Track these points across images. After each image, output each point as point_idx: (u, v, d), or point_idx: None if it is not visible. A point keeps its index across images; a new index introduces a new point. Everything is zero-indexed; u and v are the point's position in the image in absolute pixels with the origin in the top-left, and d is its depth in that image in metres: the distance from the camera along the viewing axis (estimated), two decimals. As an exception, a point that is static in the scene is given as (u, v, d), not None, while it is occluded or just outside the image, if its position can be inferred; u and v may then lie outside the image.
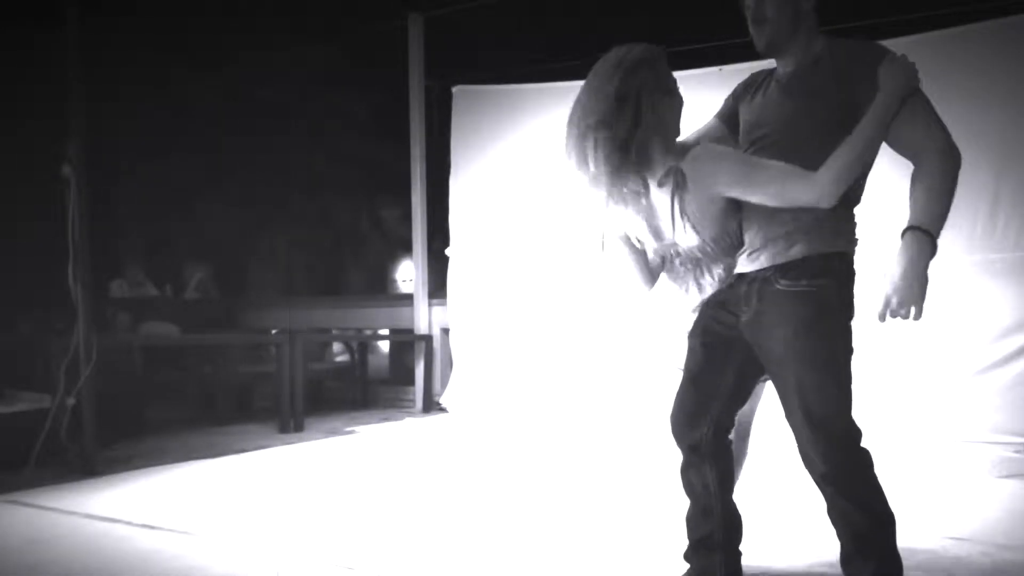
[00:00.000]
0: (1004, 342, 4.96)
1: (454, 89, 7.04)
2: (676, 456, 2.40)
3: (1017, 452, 4.66)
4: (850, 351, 2.14)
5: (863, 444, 2.15)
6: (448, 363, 7.06)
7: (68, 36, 4.29)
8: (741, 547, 2.38)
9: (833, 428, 2.11)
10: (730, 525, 2.35)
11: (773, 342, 2.14)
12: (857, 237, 2.29)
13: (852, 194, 2.25)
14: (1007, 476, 4.12)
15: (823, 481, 2.16)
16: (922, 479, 4.06)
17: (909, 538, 2.98)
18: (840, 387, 2.10)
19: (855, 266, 2.23)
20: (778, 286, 2.13)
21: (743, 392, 2.33)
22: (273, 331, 7.36)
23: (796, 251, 2.13)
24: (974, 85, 5.12)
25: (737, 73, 5.83)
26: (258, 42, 8.17)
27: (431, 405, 6.98)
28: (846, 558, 2.17)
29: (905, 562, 2.22)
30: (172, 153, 8.59)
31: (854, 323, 2.18)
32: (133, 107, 7.80)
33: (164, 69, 8.04)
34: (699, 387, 2.29)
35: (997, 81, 5.07)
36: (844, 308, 2.16)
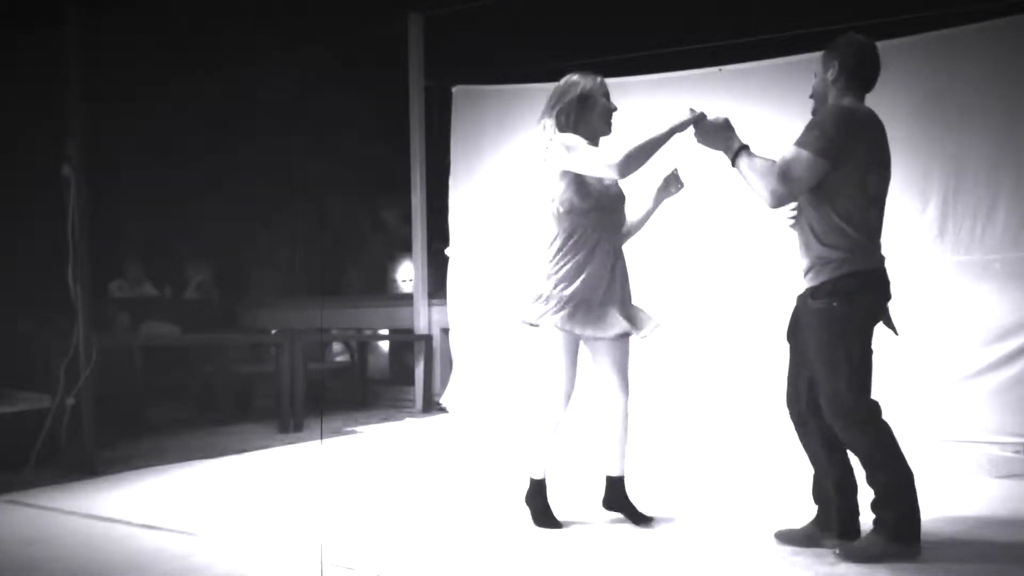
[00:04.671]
0: (1004, 342, 4.96)
1: (454, 89, 7.03)
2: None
3: (1015, 452, 4.66)
4: (862, 353, 2.71)
5: (878, 422, 2.73)
6: (448, 363, 7.06)
7: (68, 36, 4.29)
8: (858, 501, 2.85)
9: (841, 415, 2.71)
10: (843, 482, 2.85)
11: (807, 345, 2.83)
12: (878, 256, 2.86)
13: (864, 223, 2.78)
14: (1005, 476, 4.13)
15: (849, 448, 2.80)
16: (921, 479, 4.05)
17: (909, 538, 2.98)
18: (848, 385, 2.67)
19: (873, 281, 2.78)
20: (810, 303, 2.79)
21: None
22: (273, 331, 7.36)
23: (816, 278, 2.77)
24: (974, 85, 5.13)
25: (737, 73, 5.88)
26: (258, 42, 8.17)
27: (431, 405, 6.98)
28: (874, 503, 2.75)
29: (905, 562, 2.22)
30: (172, 153, 8.58)
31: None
32: (133, 107, 7.79)
33: (164, 69, 8.03)
34: (792, 370, 2.95)
35: (996, 81, 5.07)
36: (852, 320, 2.70)
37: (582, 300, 3.06)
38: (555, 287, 3.08)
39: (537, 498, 3.23)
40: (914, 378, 5.09)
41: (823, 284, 2.72)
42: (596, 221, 3.12)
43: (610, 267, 3.13)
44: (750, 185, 2.78)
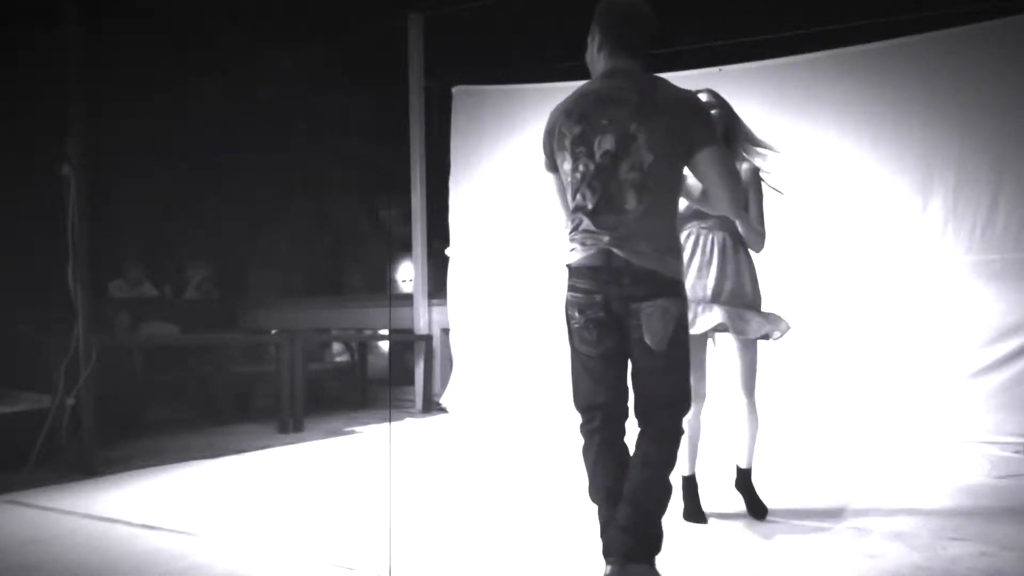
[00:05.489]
0: (1004, 342, 4.97)
1: (454, 89, 7.03)
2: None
3: (1016, 452, 4.66)
4: (574, 350, 2.47)
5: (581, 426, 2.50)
6: (448, 363, 7.06)
7: (68, 36, 4.29)
8: None
9: (681, 412, 2.46)
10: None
11: (636, 345, 2.49)
12: (573, 248, 2.45)
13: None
14: (1006, 476, 4.12)
15: (662, 448, 2.47)
16: (921, 479, 4.06)
17: (908, 538, 2.99)
18: (686, 380, 2.46)
19: (572, 278, 2.44)
20: (659, 303, 2.44)
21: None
22: (273, 331, 7.35)
23: (662, 275, 2.40)
24: (974, 85, 5.13)
25: (737, 73, 5.88)
26: (258, 42, 8.16)
27: (431, 405, 6.98)
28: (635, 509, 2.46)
29: (904, 562, 2.22)
30: (172, 153, 8.57)
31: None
32: (133, 107, 7.79)
33: (164, 69, 8.03)
34: (612, 372, 2.61)
35: (997, 81, 5.08)
36: (685, 316, 2.44)
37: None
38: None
39: (687, 494, 3.34)
40: (914, 378, 5.10)
41: (668, 283, 2.36)
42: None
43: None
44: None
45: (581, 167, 2.38)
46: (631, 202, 2.31)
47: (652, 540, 2.32)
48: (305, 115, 9.31)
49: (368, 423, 6.31)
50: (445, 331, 7.10)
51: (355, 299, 9.17)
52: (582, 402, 2.48)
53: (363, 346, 7.84)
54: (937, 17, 5.27)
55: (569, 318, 2.46)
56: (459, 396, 6.69)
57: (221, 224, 9.20)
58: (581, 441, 2.48)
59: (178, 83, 8.20)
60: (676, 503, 2.95)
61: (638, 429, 2.43)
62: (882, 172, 5.42)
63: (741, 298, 3.23)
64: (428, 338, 7.16)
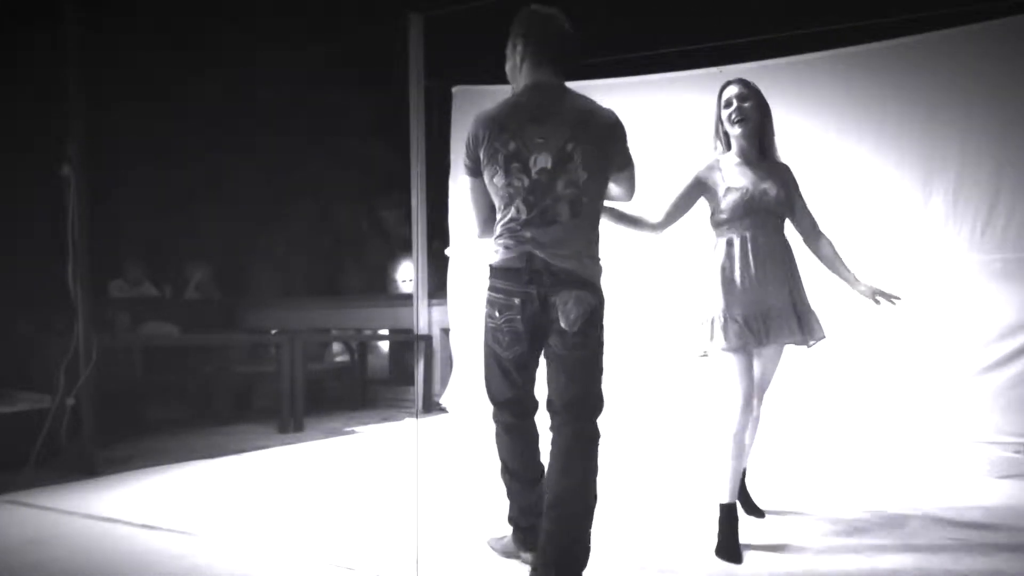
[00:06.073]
0: (1004, 342, 4.96)
1: (454, 89, 7.03)
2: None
3: (1016, 452, 4.66)
4: (487, 345, 2.64)
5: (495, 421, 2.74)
6: (448, 363, 7.05)
7: (68, 36, 4.29)
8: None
9: (597, 413, 2.52)
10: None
11: (555, 345, 2.61)
12: (497, 249, 2.62)
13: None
14: (1006, 476, 4.12)
15: (577, 450, 2.53)
16: (922, 479, 4.06)
17: (908, 538, 2.99)
18: (599, 384, 2.53)
19: (493, 278, 2.64)
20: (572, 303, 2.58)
21: None
22: (273, 331, 7.35)
23: (586, 277, 2.54)
24: (974, 85, 5.13)
25: (737, 73, 5.86)
26: (258, 42, 8.16)
27: (431, 405, 6.97)
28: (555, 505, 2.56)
29: (904, 562, 2.22)
30: (172, 153, 8.58)
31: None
32: (133, 107, 7.79)
33: (164, 69, 8.03)
34: (526, 373, 2.76)
35: (997, 81, 5.08)
36: (602, 317, 2.54)
37: None
38: None
39: (725, 527, 2.85)
40: (914, 379, 5.10)
41: (584, 281, 2.46)
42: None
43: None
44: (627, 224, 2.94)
45: (516, 182, 2.47)
46: (564, 215, 2.46)
47: (579, 553, 2.37)
48: (305, 115, 9.31)
49: (368, 423, 6.31)
50: (445, 331, 7.09)
51: (355, 299, 9.18)
52: (492, 395, 2.72)
53: (363, 346, 7.83)
54: (937, 17, 5.27)
55: (487, 316, 2.60)
56: (459, 396, 6.69)
57: (221, 224, 9.21)
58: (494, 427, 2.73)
59: (178, 83, 8.20)
60: (706, 532, 2.90)
61: (551, 433, 2.52)
62: (882, 172, 5.42)
63: (805, 302, 3.06)
64: (428, 338, 7.16)
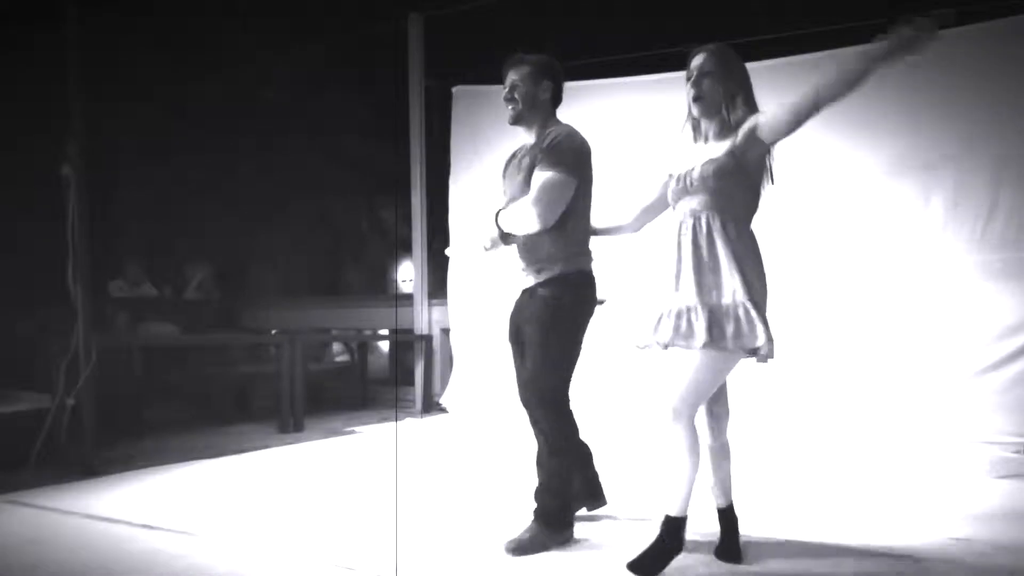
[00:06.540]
0: (1003, 342, 4.96)
1: (454, 89, 7.03)
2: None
3: (1016, 452, 4.66)
4: (573, 343, 2.97)
5: (569, 409, 2.98)
6: (448, 363, 7.06)
7: (68, 36, 4.29)
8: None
9: (538, 394, 2.92)
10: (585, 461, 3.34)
11: (526, 336, 3.04)
12: (591, 258, 3.03)
13: (585, 230, 3.03)
14: (1006, 476, 4.13)
15: (538, 430, 3.01)
16: (921, 479, 4.06)
17: (908, 538, 2.99)
18: (555, 368, 2.93)
19: (592, 279, 3.02)
20: (539, 292, 2.97)
21: None
22: (273, 331, 7.36)
23: (547, 272, 2.96)
24: (974, 85, 5.13)
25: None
26: (258, 42, 8.17)
27: (431, 405, 6.98)
28: (539, 491, 3.01)
29: (905, 562, 2.22)
30: (172, 153, 8.58)
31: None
32: (133, 107, 7.79)
33: (164, 69, 8.03)
34: (519, 368, 3.14)
35: (997, 81, 5.07)
36: (574, 310, 2.95)
37: None
38: None
39: (725, 529, 2.81)
40: (914, 379, 5.09)
41: (556, 277, 2.93)
42: None
43: None
44: (520, 224, 2.99)
45: (591, 199, 3.05)
46: None
47: (545, 508, 2.96)
48: (305, 115, 9.32)
49: (368, 423, 6.31)
50: (445, 331, 7.09)
51: (355, 299, 9.18)
52: (567, 392, 3.02)
53: (363, 346, 7.84)
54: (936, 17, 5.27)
55: (586, 311, 3.04)
56: (459, 396, 6.69)
57: (221, 224, 9.21)
58: (565, 419, 3.02)
59: (178, 83, 8.21)
60: (706, 532, 2.87)
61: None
62: (882, 172, 5.41)
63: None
64: (428, 338, 7.16)
